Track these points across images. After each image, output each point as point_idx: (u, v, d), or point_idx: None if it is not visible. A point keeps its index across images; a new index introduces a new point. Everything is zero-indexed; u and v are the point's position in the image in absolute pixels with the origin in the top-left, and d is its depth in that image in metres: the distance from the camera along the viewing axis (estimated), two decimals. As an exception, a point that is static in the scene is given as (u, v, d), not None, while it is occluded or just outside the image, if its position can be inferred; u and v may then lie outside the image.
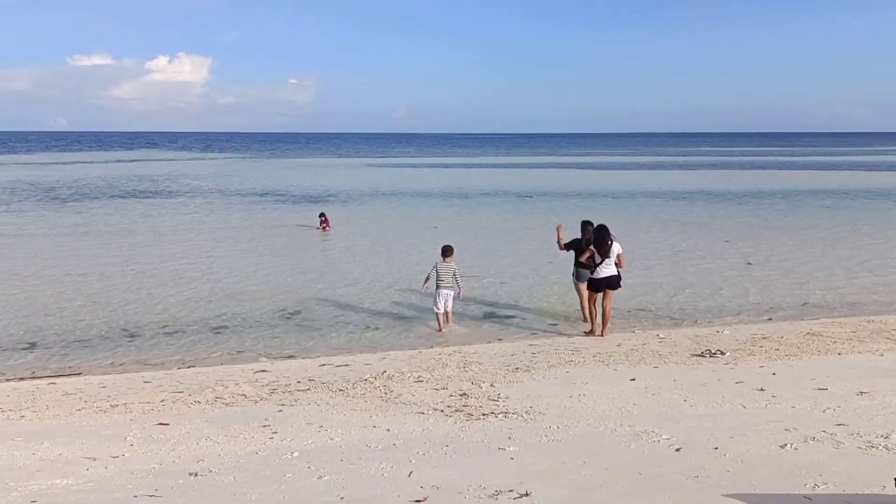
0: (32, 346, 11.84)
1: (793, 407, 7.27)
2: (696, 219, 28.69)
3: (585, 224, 12.87)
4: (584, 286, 12.47)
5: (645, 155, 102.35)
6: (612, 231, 11.98)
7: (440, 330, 12.68)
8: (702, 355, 9.90)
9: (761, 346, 10.39)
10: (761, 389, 7.97)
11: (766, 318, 13.27)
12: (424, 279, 13.08)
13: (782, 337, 11.00)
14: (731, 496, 5.02)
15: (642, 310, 13.98)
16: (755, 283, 16.33)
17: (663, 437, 6.35)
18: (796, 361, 9.46)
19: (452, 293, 12.78)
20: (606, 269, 11.82)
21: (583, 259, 12.13)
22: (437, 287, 12.71)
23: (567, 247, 12.97)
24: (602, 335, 11.65)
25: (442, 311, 12.73)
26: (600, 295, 11.94)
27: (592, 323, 12.04)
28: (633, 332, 12.08)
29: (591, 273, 11.91)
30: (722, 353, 9.91)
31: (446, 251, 13.01)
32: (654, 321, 13.13)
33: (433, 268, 12.87)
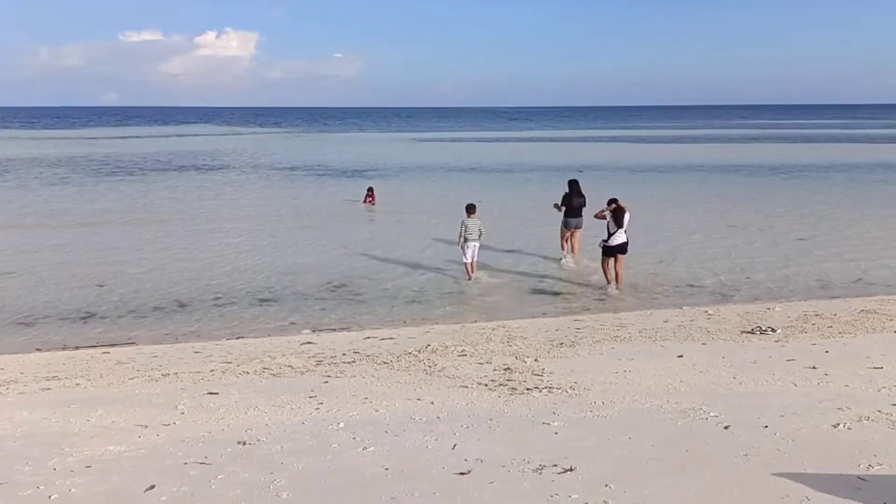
0: (89, 315, 12.17)
1: (846, 386, 7.09)
2: (747, 193, 28.05)
3: (571, 182, 16.22)
4: (567, 232, 15.80)
5: (698, 128, 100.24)
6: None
7: (469, 279, 14.25)
8: (752, 332, 9.71)
9: (814, 324, 10.14)
10: (813, 367, 7.79)
11: (819, 294, 12.96)
12: (458, 238, 14.39)
13: (836, 314, 10.73)
14: (782, 475, 4.92)
15: (691, 285, 13.78)
16: (808, 259, 15.95)
17: (711, 414, 6.25)
18: (850, 339, 9.21)
19: (478, 245, 14.39)
20: (619, 238, 13.33)
21: (595, 215, 14.01)
22: (465, 240, 14.27)
23: (562, 204, 15.82)
24: (618, 290, 13.29)
25: (469, 260, 14.30)
26: (612, 259, 13.39)
27: (608, 280, 13.49)
28: (681, 308, 11.90)
29: (606, 241, 13.37)
30: (773, 331, 9.70)
31: (470, 209, 14.64)
32: (703, 297, 12.93)
33: (462, 224, 14.38)
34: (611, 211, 13.40)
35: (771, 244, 17.60)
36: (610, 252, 13.35)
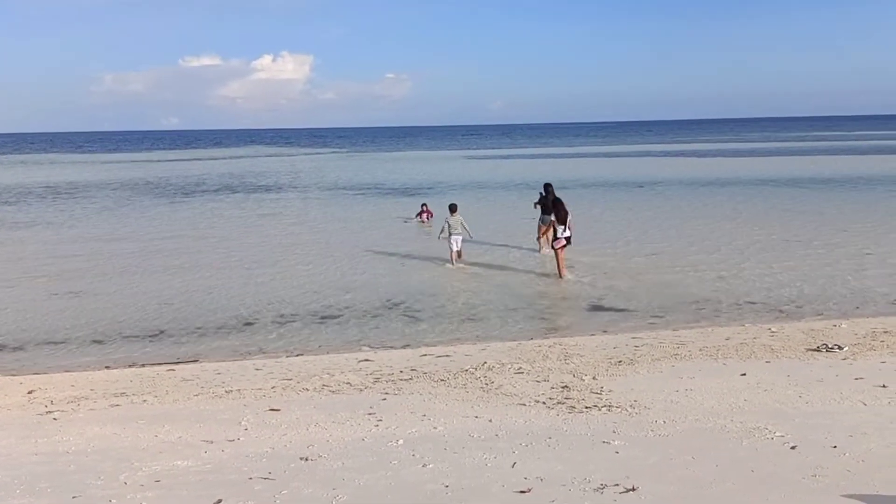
0: (156, 333, 12.50)
1: (919, 405, 6.85)
2: (808, 207, 27.37)
3: (547, 185, 18.64)
4: (543, 227, 18.25)
5: (753, 141, 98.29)
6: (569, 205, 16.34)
7: (452, 265, 17.10)
8: (817, 350, 9.45)
9: (883, 341, 9.82)
10: (883, 386, 7.54)
11: (888, 311, 12.54)
12: (440, 231, 17.64)
13: (906, 331, 10.37)
14: (852, 497, 4.79)
15: (752, 302, 13.48)
16: (875, 274, 15.45)
17: (777, 434, 6.11)
18: (922, 357, 8.89)
19: (462, 237, 17.26)
20: (566, 232, 15.75)
21: (549, 227, 16.60)
22: (450, 234, 17.15)
23: (538, 203, 18.71)
24: (570, 276, 15.71)
25: (455, 249, 17.19)
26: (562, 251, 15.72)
27: (562, 269, 15.72)
28: (743, 325, 11.65)
29: (557, 235, 15.75)
30: (840, 348, 9.42)
31: (452, 208, 17.56)
32: (766, 314, 12.63)
33: (445, 222, 17.30)
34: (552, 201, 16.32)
35: (837, 259, 17.11)
36: (561, 243, 15.72)
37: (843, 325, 11.05)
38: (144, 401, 8.23)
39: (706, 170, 48.93)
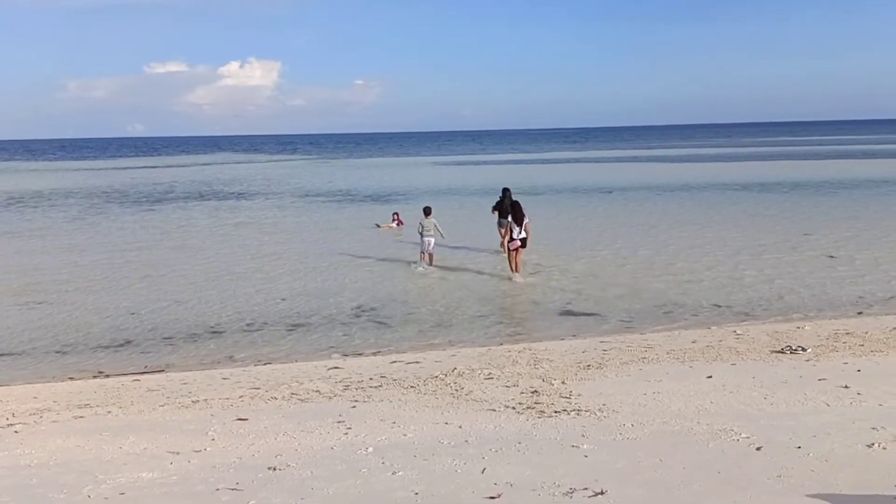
0: (122, 344, 12.31)
1: (880, 405, 6.98)
2: (773, 211, 27.81)
3: (505, 190, 19.65)
4: (502, 229, 18.44)
5: (719, 146, 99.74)
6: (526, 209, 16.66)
7: (420, 266, 17.51)
8: (782, 352, 9.59)
9: (845, 342, 9.99)
10: (846, 387, 7.67)
11: (850, 312, 12.78)
12: (418, 231, 17.70)
13: (867, 332, 10.56)
14: (816, 496, 4.86)
15: (718, 305, 13.65)
16: (838, 276, 15.74)
17: (743, 435, 6.18)
18: (882, 358, 9.07)
19: (434, 240, 17.59)
20: (521, 234, 16.13)
21: (507, 229, 16.61)
22: (422, 236, 17.55)
23: (495, 209, 19.59)
24: (521, 278, 16.10)
25: (426, 251, 17.60)
26: (515, 252, 16.15)
27: (517, 271, 16.20)
28: (709, 328, 11.79)
29: (513, 236, 16.12)
30: (803, 350, 9.57)
31: (427, 211, 17.89)
32: (731, 316, 12.80)
33: (419, 224, 17.69)
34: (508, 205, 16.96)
35: (799, 262, 17.40)
36: (516, 245, 16.14)
37: (806, 327, 11.24)
38: (109, 412, 8.09)
39: (676, 175, 49.46)
